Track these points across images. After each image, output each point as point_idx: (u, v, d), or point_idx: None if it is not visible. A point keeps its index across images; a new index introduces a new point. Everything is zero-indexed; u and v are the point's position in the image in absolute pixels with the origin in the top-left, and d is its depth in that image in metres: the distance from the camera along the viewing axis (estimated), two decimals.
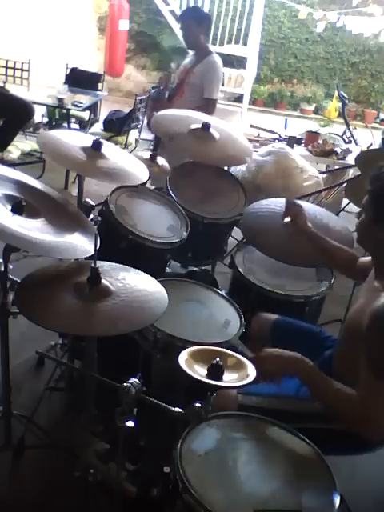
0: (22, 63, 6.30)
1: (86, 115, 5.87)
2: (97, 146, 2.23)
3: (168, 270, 2.60)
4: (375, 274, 1.66)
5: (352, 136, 5.97)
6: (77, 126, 5.89)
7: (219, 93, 4.03)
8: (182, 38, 4.00)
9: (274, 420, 1.50)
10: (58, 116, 5.68)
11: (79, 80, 5.98)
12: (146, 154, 2.77)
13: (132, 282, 1.67)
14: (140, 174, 2.29)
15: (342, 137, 5.91)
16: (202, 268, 2.82)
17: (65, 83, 5.86)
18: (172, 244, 2.31)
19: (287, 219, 2.22)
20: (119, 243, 2.21)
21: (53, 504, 1.94)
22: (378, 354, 1.44)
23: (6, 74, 6.28)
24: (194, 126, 2.73)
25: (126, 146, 5.34)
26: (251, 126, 6.00)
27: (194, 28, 3.77)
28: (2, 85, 5.79)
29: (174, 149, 2.92)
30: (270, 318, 2.09)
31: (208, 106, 3.73)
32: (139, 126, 5.72)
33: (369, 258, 1.88)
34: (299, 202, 2.30)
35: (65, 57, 7.43)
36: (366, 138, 6.09)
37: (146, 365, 1.92)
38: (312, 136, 5.15)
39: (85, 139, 2.29)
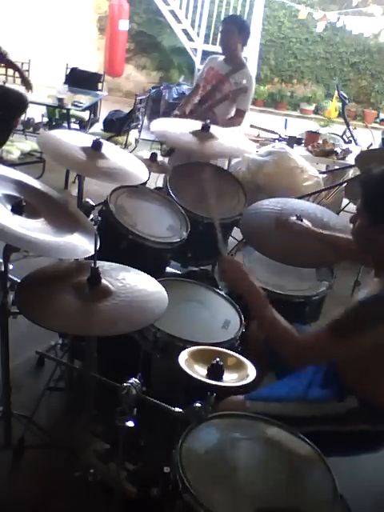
0: (22, 63, 6.30)
1: (86, 115, 5.88)
2: (97, 146, 2.23)
3: (168, 269, 2.60)
4: (375, 274, 1.66)
5: (352, 136, 5.96)
6: (77, 126, 5.89)
7: None
8: (220, 43, 3.92)
9: (274, 420, 1.50)
10: (58, 116, 5.68)
11: (79, 80, 5.98)
12: (146, 154, 2.77)
13: (132, 282, 1.67)
14: (140, 173, 2.30)
15: (342, 137, 5.90)
16: (202, 268, 2.81)
17: (65, 83, 5.87)
18: (172, 244, 2.31)
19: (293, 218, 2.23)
20: (119, 243, 2.21)
21: (53, 504, 1.94)
22: (343, 314, 1.50)
23: (6, 74, 6.28)
24: (193, 129, 2.74)
25: (126, 146, 5.34)
26: (251, 126, 5.99)
27: (236, 35, 3.72)
28: (1, 84, 5.80)
29: (179, 152, 2.91)
30: None
31: (239, 116, 3.77)
32: (139, 126, 5.72)
33: None
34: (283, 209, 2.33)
35: (65, 57, 7.43)
36: (366, 137, 6.08)
37: (145, 365, 1.91)
38: (312, 136, 5.15)
39: (85, 139, 2.29)
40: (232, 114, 3.78)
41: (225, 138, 2.76)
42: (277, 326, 1.56)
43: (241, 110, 3.77)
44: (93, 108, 5.94)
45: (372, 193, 1.58)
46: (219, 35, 4.07)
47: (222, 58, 3.86)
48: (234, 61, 3.76)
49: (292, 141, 5.04)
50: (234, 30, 3.71)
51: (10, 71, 6.29)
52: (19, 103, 2.26)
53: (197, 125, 2.75)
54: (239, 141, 2.89)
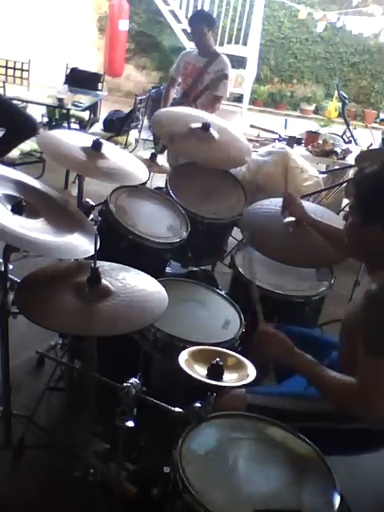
0: (22, 63, 6.30)
1: (86, 115, 5.88)
2: (97, 146, 2.23)
3: (168, 270, 2.60)
4: (368, 272, 1.67)
5: (352, 136, 5.96)
6: (77, 126, 5.89)
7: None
8: (195, 43, 4.11)
9: (274, 420, 1.50)
10: (58, 116, 5.68)
11: (79, 80, 5.98)
12: (146, 154, 2.77)
13: (132, 282, 1.67)
14: (140, 173, 2.29)
15: (342, 137, 5.90)
16: (202, 268, 2.81)
17: (65, 83, 5.86)
18: (172, 244, 2.31)
19: (288, 219, 2.24)
20: (119, 243, 2.21)
21: (53, 504, 1.94)
22: (373, 333, 1.44)
23: (6, 74, 6.28)
24: (194, 126, 2.72)
25: (126, 146, 5.34)
26: (251, 126, 5.99)
27: (206, 32, 3.91)
28: (1, 85, 5.81)
29: (174, 150, 2.90)
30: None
31: (216, 102, 3.98)
32: (139, 126, 5.72)
33: None
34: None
35: (65, 57, 7.43)
36: (366, 137, 6.08)
37: (145, 365, 1.92)
38: (312, 136, 5.15)
39: (85, 139, 2.29)
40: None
41: (222, 143, 2.74)
42: (332, 377, 1.50)
43: (218, 95, 3.96)
44: (93, 108, 5.94)
45: (364, 192, 1.58)
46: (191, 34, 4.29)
47: (195, 51, 4.09)
48: (208, 53, 3.97)
49: (292, 141, 5.04)
50: (202, 27, 3.90)
51: (10, 71, 6.31)
52: (29, 133, 2.30)
53: (197, 123, 2.74)
54: (237, 147, 2.86)
